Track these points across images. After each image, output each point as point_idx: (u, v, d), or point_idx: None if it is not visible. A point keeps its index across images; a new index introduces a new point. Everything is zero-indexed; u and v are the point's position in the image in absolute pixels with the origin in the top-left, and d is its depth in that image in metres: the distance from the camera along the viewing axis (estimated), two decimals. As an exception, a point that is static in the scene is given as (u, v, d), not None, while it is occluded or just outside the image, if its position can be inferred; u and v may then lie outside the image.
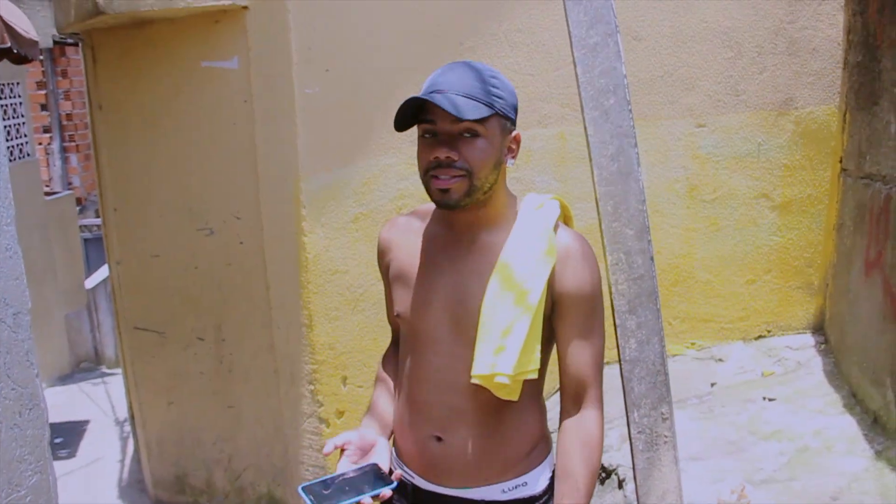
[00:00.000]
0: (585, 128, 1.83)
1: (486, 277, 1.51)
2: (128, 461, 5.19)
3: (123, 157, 4.02)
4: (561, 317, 1.53)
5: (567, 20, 1.80)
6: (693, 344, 3.47)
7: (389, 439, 1.64)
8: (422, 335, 1.57)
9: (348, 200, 3.39)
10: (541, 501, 1.59)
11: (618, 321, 1.88)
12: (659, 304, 1.87)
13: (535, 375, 1.51)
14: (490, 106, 1.43)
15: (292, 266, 3.50)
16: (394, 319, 1.73)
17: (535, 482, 1.59)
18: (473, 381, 1.49)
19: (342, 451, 1.49)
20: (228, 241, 3.70)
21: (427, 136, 1.47)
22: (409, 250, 1.62)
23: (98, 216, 8.48)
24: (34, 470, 1.43)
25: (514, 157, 1.53)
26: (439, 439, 1.55)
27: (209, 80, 3.56)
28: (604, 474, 2.78)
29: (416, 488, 1.61)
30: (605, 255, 1.87)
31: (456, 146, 1.43)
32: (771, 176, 3.34)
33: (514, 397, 1.51)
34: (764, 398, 2.99)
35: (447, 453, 1.55)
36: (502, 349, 1.47)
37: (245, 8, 3.36)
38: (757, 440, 2.72)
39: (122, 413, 5.72)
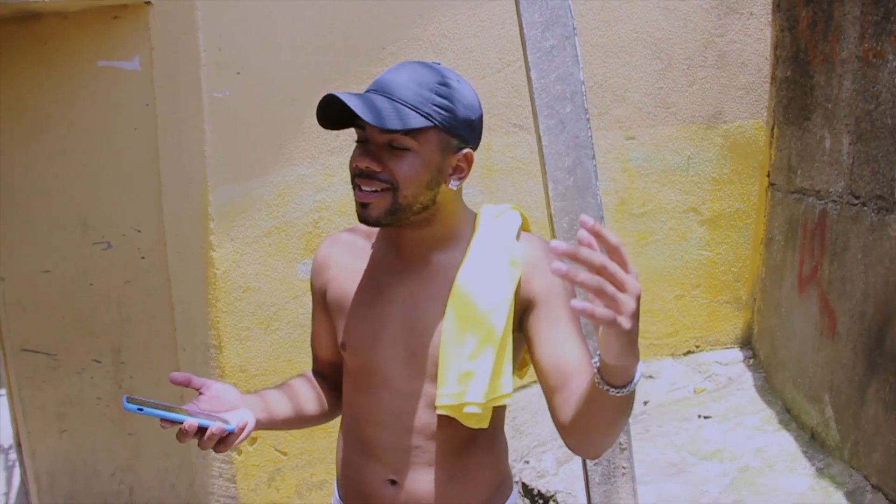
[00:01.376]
0: (539, 138, 1.69)
1: (442, 303, 1.36)
2: (13, 494, 4.83)
3: (7, 165, 3.67)
4: (538, 321, 1.35)
5: (520, 21, 1.66)
6: (622, 360, 3.40)
7: (254, 427, 1.38)
8: (372, 371, 1.41)
9: (261, 213, 3.18)
10: None
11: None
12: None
13: (508, 400, 1.37)
14: (427, 117, 1.25)
15: (199, 283, 3.28)
16: (319, 347, 1.59)
17: None
18: (439, 412, 1.34)
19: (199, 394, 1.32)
20: (128, 256, 3.42)
21: (358, 140, 1.32)
22: (351, 273, 1.46)
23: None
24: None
25: (461, 177, 1.35)
26: (394, 483, 1.41)
27: (107, 81, 3.28)
28: (541, 500, 2.65)
29: None
30: (561, 274, 1.74)
31: (381, 157, 1.28)
32: (700, 190, 3.30)
33: (485, 425, 1.36)
34: (700, 416, 2.94)
35: (403, 499, 1.41)
36: (470, 375, 1.32)
37: (148, 3, 3.11)
38: (698, 460, 2.65)
39: (7, 439, 5.30)
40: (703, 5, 3.16)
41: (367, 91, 1.28)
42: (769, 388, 3.06)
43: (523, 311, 1.36)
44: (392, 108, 1.24)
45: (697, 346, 3.41)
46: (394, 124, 1.22)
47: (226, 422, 1.24)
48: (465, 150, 1.33)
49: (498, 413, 1.43)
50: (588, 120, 1.67)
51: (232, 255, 3.20)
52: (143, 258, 3.40)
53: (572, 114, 1.66)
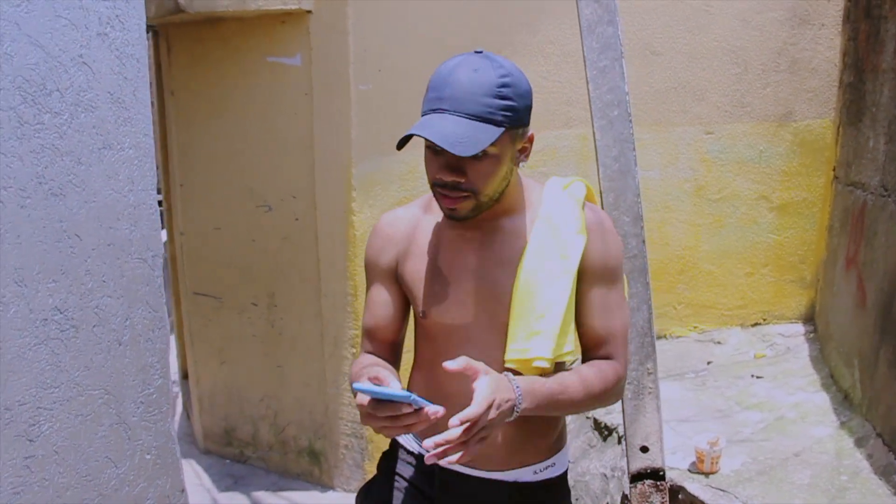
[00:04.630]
0: (594, 134, 2.25)
1: (515, 263, 1.47)
2: (177, 417, 5.58)
3: (191, 138, 4.43)
4: (588, 288, 1.49)
5: (583, 47, 2.22)
6: (695, 327, 3.88)
7: None
8: (454, 333, 1.51)
9: (393, 185, 3.80)
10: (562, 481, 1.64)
11: (615, 292, 2.30)
12: (649, 278, 2.28)
13: (571, 357, 1.48)
14: (499, 125, 1.33)
15: (341, 241, 3.88)
16: (383, 327, 1.60)
17: (562, 463, 1.62)
18: (508, 365, 1.45)
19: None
20: (284, 218, 4.08)
21: (431, 149, 1.41)
22: (422, 248, 1.55)
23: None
24: (160, 375, 1.89)
25: (526, 157, 1.45)
26: None
27: (273, 73, 3.95)
28: (606, 432, 3.20)
29: (442, 469, 1.57)
30: (607, 237, 2.28)
31: (461, 168, 1.36)
32: (770, 180, 3.73)
33: None
34: (753, 376, 3.39)
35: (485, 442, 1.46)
36: (538, 333, 1.43)
37: (309, 12, 3.76)
38: (741, 409, 3.12)
39: (173, 375, 6.12)
40: (777, 17, 3.58)
41: (437, 108, 1.34)
42: (821, 358, 3.47)
43: (579, 277, 1.48)
44: (468, 129, 1.30)
45: (764, 319, 3.85)
46: (474, 149, 1.29)
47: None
48: (529, 133, 1.42)
49: (558, 368, 1.51)
50: (630, 121, 2.21)
51: (369, 219, 3.81)
52: (297, 219, 4.07)
53: (618, 116, 2.21)
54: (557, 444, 1.61)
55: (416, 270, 1.53)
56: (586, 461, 3.19)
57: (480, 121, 1.32)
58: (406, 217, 1.60)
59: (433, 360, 1.53)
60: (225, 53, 4.15)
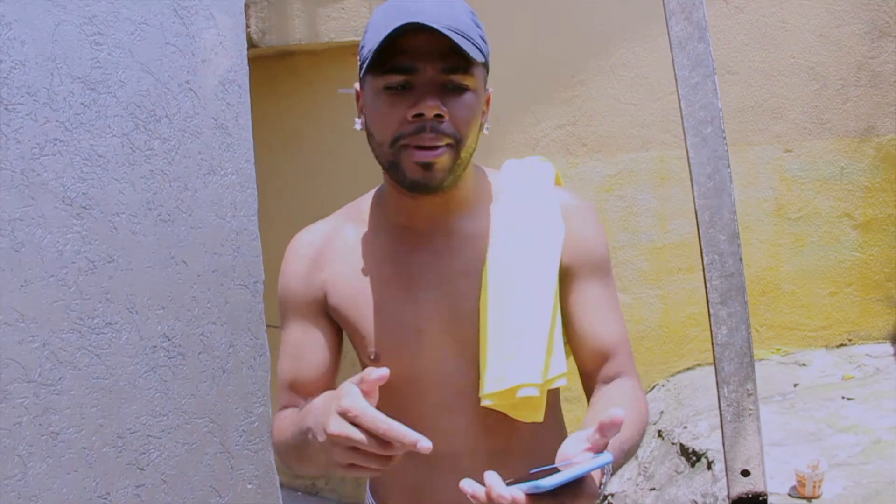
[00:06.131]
0: (687, 152, 2.21)
1: (478, 277, 1.17)
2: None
3: (263, 171, 4.45)
4: (577, 288, 1.19)
5: (674, 64, 2.19)
6: (778, 349, 3.78)
7: None
8: (420, 376, 1.20)
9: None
10: None
11: (711, 311, 2.24)
12: (746, 298, 2.22)
13: (564, 381, 1.17)
14: (479, 49, 1.06)
15: None
16: (311, 371, 1.25)
17: None
18: (485, 403, 1.14)
19: None
20: None
21: (395, 89, 1.07)
22: (355, 267, 1.22)
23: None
24: (261, 402, 1.90)
25: (485, 120, 1.18)
26: None
27: (343, 105, 4.02)
28: (694, 457, 3.12)
29: None
30: (703, 255, 2.24)
31: (443, 101, 1.06)
32: (853, 197, 3.64)
33: (540, 417, 1.17)
34: (843, 397, 3.28)
35: None
36: (516, 357, 1.13)
37: (380, 43, 3.82)
38: (834, 432, 3.02)
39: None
40: (856, 31, 3.52)
41: (409, 22, 1.00)
42: (915, 378, 3.35)
43: (562, 277, 1.19)
44: (460, 37, 1.02)
45: (850, 340, 3.73)
46: (476, 53, 1.04)
47: None
48: (489, 91, 1.17)
49: (554, 399, 1.26)
50: (724, 138, 2.17)
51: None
52: (367, 248, 4.11)
53: (712, 133, 2.17)
54: None
55: (353, 298, 1.20)
56: (674, 488, 3.11)
57: (463, 37, 1.03)
58: (328, 231, 1.28)
59: (397, 411, 1.07)
60: (296, 85, 4.23)
